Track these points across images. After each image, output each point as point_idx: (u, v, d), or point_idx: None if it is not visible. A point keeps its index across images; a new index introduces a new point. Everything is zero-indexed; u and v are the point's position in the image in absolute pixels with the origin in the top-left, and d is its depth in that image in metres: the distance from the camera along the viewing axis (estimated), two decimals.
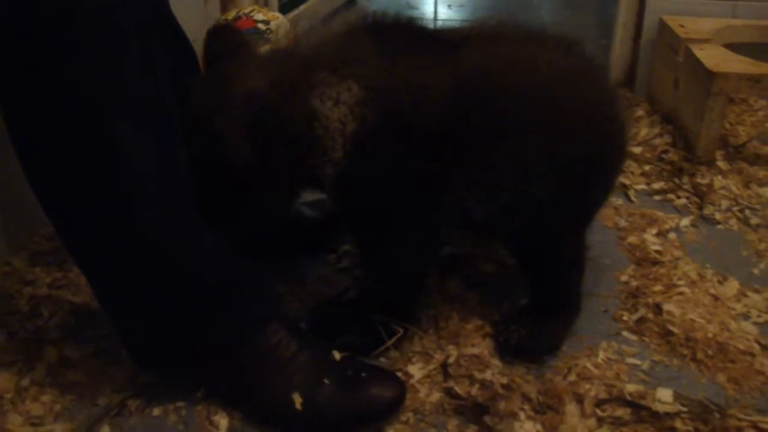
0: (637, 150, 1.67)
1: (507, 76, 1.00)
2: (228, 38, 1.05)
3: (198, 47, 1.28)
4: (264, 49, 1.02)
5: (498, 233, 1.13)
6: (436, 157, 0.98)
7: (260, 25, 1.75)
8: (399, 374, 1.07)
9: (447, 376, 1.07)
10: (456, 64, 0.99)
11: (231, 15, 1.79)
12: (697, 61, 1.60)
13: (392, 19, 1.03)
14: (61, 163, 0.88)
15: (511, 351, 1.12)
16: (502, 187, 1.02)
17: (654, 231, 1.41)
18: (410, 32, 1.03)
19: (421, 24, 1.05)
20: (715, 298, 1.23)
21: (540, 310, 1.16)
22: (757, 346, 1.13)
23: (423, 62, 0.98)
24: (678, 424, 1.00)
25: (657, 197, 1.54)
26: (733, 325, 1.17)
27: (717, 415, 1.00)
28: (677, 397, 1.04)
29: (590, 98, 1.05)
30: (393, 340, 1.10)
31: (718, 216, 1.47)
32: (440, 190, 1.01)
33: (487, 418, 1.00)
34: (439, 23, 2.68)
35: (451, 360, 1.09)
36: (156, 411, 1.04)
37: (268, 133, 0.94)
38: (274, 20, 1.81)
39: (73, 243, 0.97)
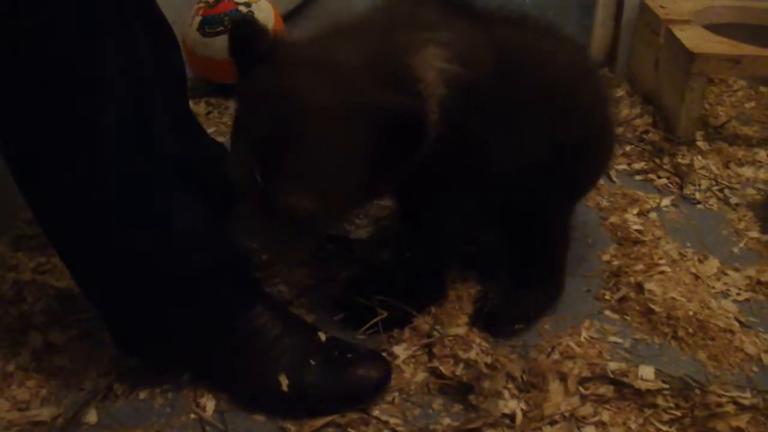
0: (618, 130, 1.67)
1: (532, 57, 1.06)
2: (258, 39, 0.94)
3: (178, 29, 1.27)
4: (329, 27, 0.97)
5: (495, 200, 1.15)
6: (487, 114, 0.99)
7: (241, 8, 1.74)
8: (384, 354, 1.08)
9: (432, 356, 1.08)
10: (494, 35, 1.02)
11: None
12: (678, 41, 1.61)
13: None
14: (42, 146, 0.88)
15: (484, 318, 1.14)
16: (512, 156, 1.05)
17: (635, 211, 1.42)
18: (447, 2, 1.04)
19: None
20: (696, 276, 1.25)
21: (519, 283, 1.18)
22: (736, 324, 1.15)
23: (470, 27, 1.01)
24: (660, 400, 1.01)
25: (638, 177, 1.55)
26: (713, 303, 1.18)
27: (698, 391, 1.02)
28: (659, 374, 1.05)
29: (592, 97, 1.15)
30: (376, 319, 1.11)
31: (698, 196, 1.48)
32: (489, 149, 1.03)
33: (471, 397, 1.02)
34: None
35: (435, 340, 1.10)
36: (142, 394, 1.05)
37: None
38: (255, 2, 1.80)
39: (53, 231, 0.97)
